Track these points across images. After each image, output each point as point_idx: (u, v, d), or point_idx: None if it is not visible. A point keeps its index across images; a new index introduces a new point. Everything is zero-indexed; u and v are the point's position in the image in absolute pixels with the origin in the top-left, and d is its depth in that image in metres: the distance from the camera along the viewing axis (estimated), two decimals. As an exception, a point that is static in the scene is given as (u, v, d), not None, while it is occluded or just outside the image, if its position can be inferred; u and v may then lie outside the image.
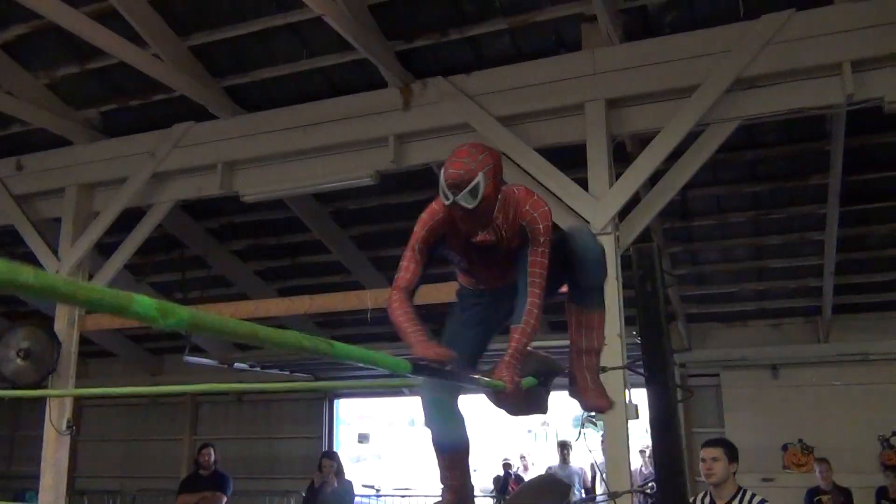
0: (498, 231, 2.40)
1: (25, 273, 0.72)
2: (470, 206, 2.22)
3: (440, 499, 2.65)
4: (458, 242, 2.46)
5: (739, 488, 3.86)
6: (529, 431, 19.67)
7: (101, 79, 6.23)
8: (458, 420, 2.58)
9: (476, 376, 2.26)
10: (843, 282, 7.91)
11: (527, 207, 2.39)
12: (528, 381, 2.40)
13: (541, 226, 2.38)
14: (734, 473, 3.88)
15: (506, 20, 5.24)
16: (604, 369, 4.33)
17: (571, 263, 2.54)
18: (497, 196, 2.31)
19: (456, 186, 2.21)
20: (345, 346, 1.26)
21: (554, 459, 10.07)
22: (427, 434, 2.59)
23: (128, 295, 0.82)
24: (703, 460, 3.86)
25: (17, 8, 4.87)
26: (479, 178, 2.21)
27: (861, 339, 8.49)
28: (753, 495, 3.80)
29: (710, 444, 4.07)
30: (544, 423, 18.55)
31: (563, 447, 9.62)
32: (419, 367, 1.69)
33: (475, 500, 2.75)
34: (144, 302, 0.84)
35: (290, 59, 5.77)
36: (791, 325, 8.94)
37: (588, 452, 9.36)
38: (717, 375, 9.14)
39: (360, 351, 1.34)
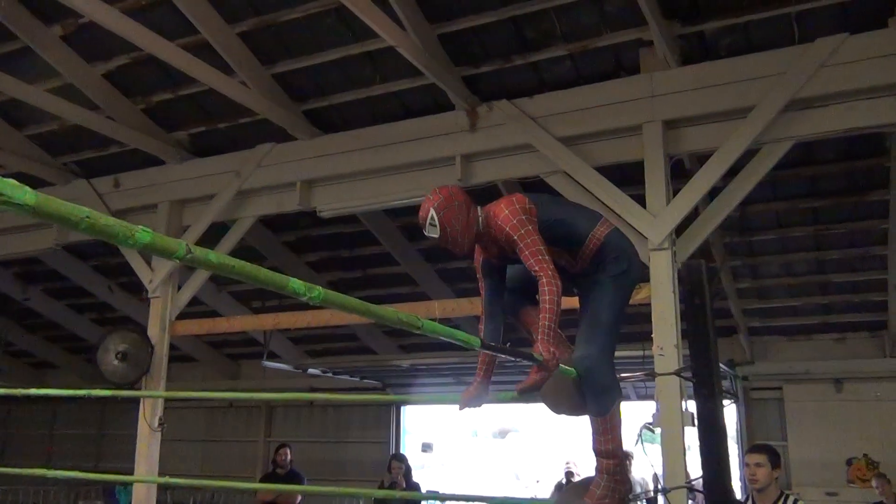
0: (498, 243, 2.86)
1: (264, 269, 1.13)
2: (435, 236, 2.75)
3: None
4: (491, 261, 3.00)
5: (781, 492, 4.03)
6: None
7: (192, 104, 6.75)
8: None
9: (521, 349, 2.56)
10: (907, 297, 7.88)
11: (497, 222, 2.82)
12: (568, 370, 2.67)
13: (507, 228, 2.78)
14: (777, 479, 4.04)
15: (566, 46, 5.50)
16: (655, 375, 4.57)
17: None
18: (463, 221, 2.76)
19: (422, 225, 2.78)
20: (431, 323, 1.61)
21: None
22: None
23: (285, 277, 1.24)
24: (748, 465, 4.02)
25: (119, 41, 5.43)
26: (431, 212, 2.74)
27: (927, 354, 8.42)
28: (796, 499, 3.97)
29: (754, 449, 4.25)
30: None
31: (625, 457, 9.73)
32: (485, 345, 2.08)
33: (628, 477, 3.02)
34: (296, 282, 1.28)
35: (364, 84, 6.17)
36: (856, 340, 8.91)
37: (650, 466, 9.50)
38: (780, 389, 9.17)
39: (443, 328, 1.68)
